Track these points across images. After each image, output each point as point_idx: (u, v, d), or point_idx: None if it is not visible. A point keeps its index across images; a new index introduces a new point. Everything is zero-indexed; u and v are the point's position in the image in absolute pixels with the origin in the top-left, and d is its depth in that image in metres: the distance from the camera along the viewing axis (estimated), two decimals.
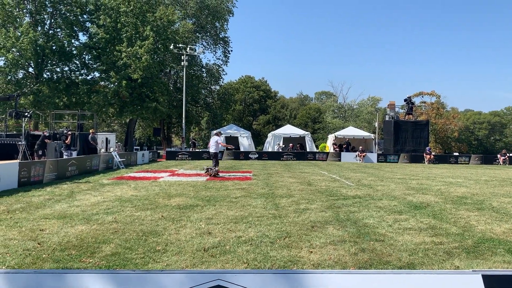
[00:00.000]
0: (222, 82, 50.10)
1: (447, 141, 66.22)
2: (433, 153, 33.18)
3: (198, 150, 35.55)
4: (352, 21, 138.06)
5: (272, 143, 35.55)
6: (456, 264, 4.49)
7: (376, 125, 54.76)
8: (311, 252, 4.88)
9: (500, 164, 29.73)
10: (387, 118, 36.52)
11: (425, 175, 17.50)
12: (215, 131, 21.99)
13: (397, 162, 29.98)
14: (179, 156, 28.66)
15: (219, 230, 5.97)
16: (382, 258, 4.66)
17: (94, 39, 31.12)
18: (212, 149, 15.43)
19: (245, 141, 34.56)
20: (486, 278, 1.87)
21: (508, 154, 31.69)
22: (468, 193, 10.92)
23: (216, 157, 15.39)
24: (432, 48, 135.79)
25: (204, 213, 7.39)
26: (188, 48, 34.91)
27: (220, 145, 15.61)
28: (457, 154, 39.89)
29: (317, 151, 35.22)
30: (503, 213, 7.73)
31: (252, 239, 5.48)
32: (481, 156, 32.73)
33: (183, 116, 35.74)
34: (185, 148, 34.47)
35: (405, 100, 35.53)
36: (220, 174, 15.30)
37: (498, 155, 31.21)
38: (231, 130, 35.70)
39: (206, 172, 15.46)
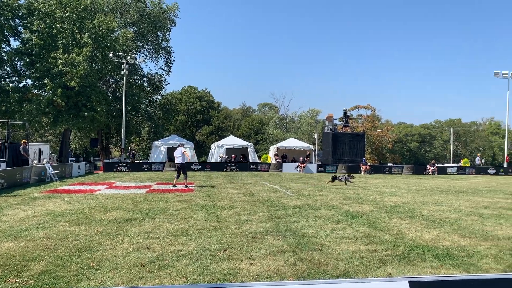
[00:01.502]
0: (164, 92, 49.36)
1: (382, 152, 69.50)
2: (368, 164, 34.63)
3: (138, 161, 34.57)
4: (293, 35, 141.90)
5: (215, 154, 35.42)
6: (388, 271, 4.69)
7: (316, 136, 56.42)
8: (251, 263, 4.90)
9: (430, 174, 31.64)
10: (325, 130, 37.75)
11: (361, 185, 18.21)
12: (178, 143, 21.78)
13: (335, 173, 30.96)
14: (118, 167, 27.70)
15: (158, 244, 5.83)
16: (320, 267, 4.77)
17: (27, 45, 29.47)
18: (178, 160, 15.35)
19: (188, 152, 34.13)
20: (412, 285, 1.96)
21: (436, 165, 33.83)
22: (400, 202, 11.50)
23: (183, 169, 15.28)
24: (368, 63, 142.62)
25: (143, 226, 7.18)
26: (128, 57, 34.05)
27: (185, 157, 15.58)
28: (391, 164, 42.00)
29: (260, 161, 35.57)
30: (432, 221, 8.21)
31: (192, 252, 5.40)
32: (412, 167, 34.67)
33: (123, 126, 34.68)
34: (125, 159, 33.41)
35: (343, 113, 36.99)
36: (178, 186, 15.13)
37: (428, 166, 33.22)
38: (173, 140, 35.10)
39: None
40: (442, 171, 33.10)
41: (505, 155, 42.91)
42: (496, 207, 10.48)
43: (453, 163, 56.95)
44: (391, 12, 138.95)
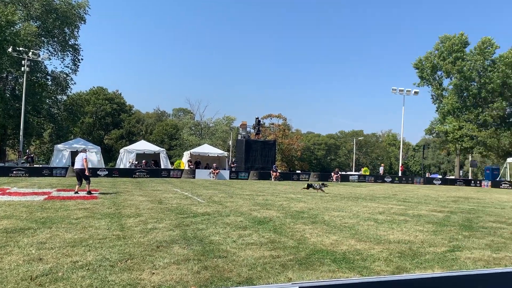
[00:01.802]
0: (70, 92, 46.45)
1: (292, 160, 72.10)
2: (278, 171, 35.71)
3: (37, 166, 31.98)
4: (209, 42, 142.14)
5: (124, 160, 34.01)
6: (289, 276, 4.86)
7: (230, 143, 56.86)
8: (153, 273, 4.76)
9: (334, 181, 33.50)
10: (239, 137, 38.26)
11: (271, 191, 18.72)
12: (82, 148, 20.31)
13: (247, 179, 31.45)
14: (14, 172, 25.37)
15: (53, 256, 5.42)
16: (223, 275, 4.79)
17: None
18: (77, 165, 14.44)
19: (94, 157, 32.30)
20: None
21: (340, 173, 35.92)
22: (305, 207, 12.01)
23: (83, 174, 14.28)
24: (279, 74, 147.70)
25: (37, 237, 6.64)
26: (30, 53, 31.52)
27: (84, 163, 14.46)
28: (299, 172, 43.72)
29: (172, 168, 34.91)
30: (332, 226, 8.68)
31: (90, 263, 5.10)
32: (318, 174, 36.47)
33: (21, 127, 31.90)
34: (22, 163, 30.70)
35: (255, 121, 37.81)
36: (81, 193, 14.13)
37: (332, 173, 35.16)
38: (78, 144, 33.06)
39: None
40: (344, 179, 35.25)
41: (400, 164, 46.94)
42: (389, 213, 11.40)
43: (355, 171, 60.91)
44: (302, 28, 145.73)
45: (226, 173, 32.06)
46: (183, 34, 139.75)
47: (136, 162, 33.19)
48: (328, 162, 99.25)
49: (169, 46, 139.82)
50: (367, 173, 41.44)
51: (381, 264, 5.52)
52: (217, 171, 31.30)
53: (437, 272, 4.61)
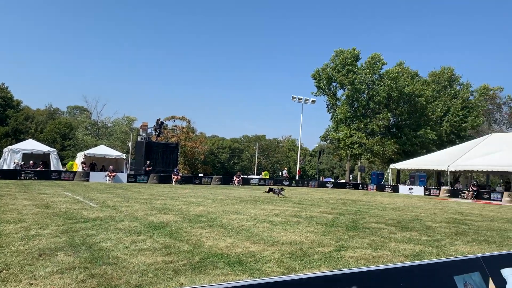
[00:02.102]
0: None
1: (195, 163, 71.61)
2: (180, 174, 35.22)
3: None
4: (111, 38, 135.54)
5: (8, 160, 30.84)
6: (181, 281, 4.80)
7: (130, 145, 54.68)
8: (32, 284, 4.38)
9: (235, 184, 34.00)
10: (139, 139, 36.98)
11: (170, 195, 18.38)
12: None
13: (146, 183, 30.50)
14: None
15: None
16: (111, 282, 4.57)
17: None
18: None
19: None
20: None
21: (241, 176, 36.55)
22: (204, 211, 11.99)
23: None
24: (184, 76, 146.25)
25: None
26: None
27: None
28: (201, 175, 43.60)
29: (64, 170, 32.50)
30: (230, 229, 8.79)
31: None
32: (220, 177, 36.73)
33: None
34: None
35: (156, 122, 36.89)
36: None
37: (234, 177, 35.65)
38: None
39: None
40: (246, 182, 35.96)
41: (298, 169, 49.25)
42: (285, 215, 11.87)
43: (257, 174, 62.51)
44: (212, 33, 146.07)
45: (123, 176, 30.76)
46: (80, 23, 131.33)
47: (22, 163, 30.33)
48: (232, 165, 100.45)
49: (63, 38, 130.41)
50: (267, 177, 42.75)
51: (273, 265, 5.72)
52: (114, 174, 29.89)
53: (313, 273, 4.89)
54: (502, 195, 29.72)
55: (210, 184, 33.65)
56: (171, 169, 33.39)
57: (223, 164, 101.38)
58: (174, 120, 67.19)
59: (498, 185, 37.84)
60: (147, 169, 32.43)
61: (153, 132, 37.24)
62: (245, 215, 11.51)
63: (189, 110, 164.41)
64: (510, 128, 62.69)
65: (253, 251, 6.60)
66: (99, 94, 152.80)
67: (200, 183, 33.51)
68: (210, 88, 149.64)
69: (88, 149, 40.63)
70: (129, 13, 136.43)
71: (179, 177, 32.24)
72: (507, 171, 33.06)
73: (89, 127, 70.37)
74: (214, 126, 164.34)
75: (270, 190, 20.78)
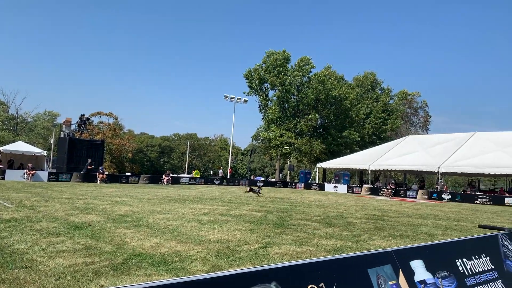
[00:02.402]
0: None
1: (122, 161, 69.17)
2: (106, 172, 33.84)
3: None
4: (37, 29, 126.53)
5: None
6: (101, 283, 4.62)
7: (52, 141, 51.56)
8: None
9: (164, 183, 33.33)
10: (62, 135, 34.96)
11: (94, 194, 17.59)
12: None
13: (69, 181, 28.92)
14: None
15: None
16: (24, 287, 4.28)
17: None
18: None
19: None
20: None
21: (171, 175, 35.91)
22: (130, 211, 11.62)
23: None
24: (111, 71, 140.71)
25: None
26: None
27: None
28: (129, 174, 42.19)
29: None
30: (156, 229, 8.60)
31: None
32: (149, 176, 35.79)
33: None
34: None
35: (80, 118, 35.10)
36: None
37: (163, 176, 34.93)
38: None
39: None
40: (176, 181, 35.39)
41: (229, 168, 49.42)
42: (214, 214, 11.87)
43: (188, 173, 61.77)
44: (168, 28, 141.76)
45: (44, 175, 28.91)
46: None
47: None
48: (162, 164, 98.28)
49: None
50: (198, 175, 42.41)
51: (198, 264, 5.70)
52: (33, 172, 27.99)
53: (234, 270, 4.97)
54: (417, 193, 32.07)
55: (138, 183, 32.68)
56: (96, 167, 31.94)
57: (152, 163, 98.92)
58: (100, 116, 64.43)
59: (414, 183, 40.74)
60: (88, 167, 31.10)
61: (77, 128, 35.35)
62: (173, 214, 11.33)
63: (117, 106, 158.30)
64: (425, 131, 67.77)
65: (179, 250, 6.53)
66: (18, 87, 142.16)
67: (127, 182, 32.41)
68: (140, 84, 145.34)
69: (4, 145, 37.61)
70: (57, 5, 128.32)
71: (104, 175, 30.94)
72: (422, 171, 35.73)
73: (6, 122, 65.21)
74: (143, 123, 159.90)
75: (251, 189, 21.94)
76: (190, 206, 14.09)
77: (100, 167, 31.63)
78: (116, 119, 68.15)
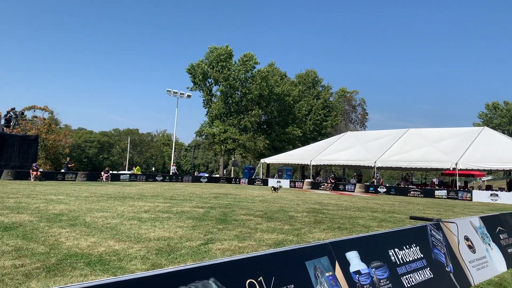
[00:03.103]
0: None
1: (58, 158, 65.90)
2: (40, 170, 32.08)
3: None
4: None
5: None
6: (32, 285, 4.38)
7: None
8: None
9: (103, 180, 32.17)
10: None
11: (27, 192, 16.61)
12: None
13: None
14: None
15: None
16: None
17: None
18: None
19: None
20: None
21: (110, 172, 34.70)
22: (66, 209, 11.10)
23: None
24: (47, 63, 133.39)
25: None
26: None
27: None
28: (63, 171, 40.21)
29: None
30: (93, 227, 8.28)
31: None
32: (87, 173, 34.36)
33: None
34: None
35: (8, 112, 32.96)
36: None
37: (102, 172, 33.70)
38: None
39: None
40: (115, 178, 34.26)
41: (172, 163, 48.64)
42: (155, 211, 11.63)
43: (129, 170, 60.06)
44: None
45: None
46: None
47: None
48: (101, 160, 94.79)
49: None
50: (139, 172, 41.36)
51: (137, 263, 5.56)
52: None
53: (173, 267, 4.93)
54: (355, 187, 33.39)
55: (75, 180, 31.26)
56: (28, 165, 30.15)
57: (91, 159, 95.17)
58: (34, 110, 60.84)
59: (352, 177, 42.36)
60: (69, 165, 29.92)
61: (5, 122, 33.11)
62: (112, 212, 10.97)
63: (53, 100, 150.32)
64: (363, 127, 70.63)
65: (117, 249, 6.33)
66: None
67: (63, 179, 30.90)
68: (78, 78, 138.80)
69: None
70: None
71: (38, 173, 29.31)
72: (360, 165, 37.24)
73: None
74: (81, 118, 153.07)
75: (274, 188, 25.31)
76: (130, 203, 13.71)
77: (34, 164, 29.89)
78: (52, 114, 64.76)
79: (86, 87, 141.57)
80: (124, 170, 66.87)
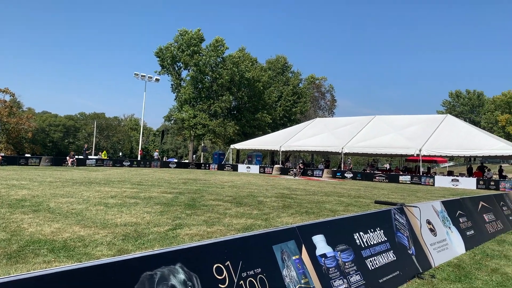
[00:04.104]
0: None
1: (21, 142, 63.68)
2: (1, 154, 30.91)
3: None
4: None
5: None
6: None
7: None
8: None
9: (69, 165, 31.34)
10: None
11: None
12: None
13: None
14: None
15: None
16: None
17: None
18: None
19: None
20: None
21: (76, 156, 33.79)
22: (29, 195, 10.78)
23: None
24: (7, 43, 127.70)
25: None
26: None
27: None
28: (28, 155, 38.91)
29: None
30: (58, 213, 8.08)
31: None
32: (51, 158, 33.36)
33: None
34: None
35: None
36: None
37: (67, 157, 32.80)
38: None
39: None
40: (81, 163, 33.43)
41: (139, 149, 47.90)
42: (122, 196, 11.45)
43: (95, 155, 58.71)
44: None
45: None
46: None
47: None
48: (66, 145, 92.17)
49: None
50: (106, 157, 40.54)
51: (104, 249, 5.48)
52: None
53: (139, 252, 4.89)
54: (322, 172, 33.93)
55: (39, 165, 30.33)
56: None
57: (56, 144, 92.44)
58: None
59: (320, 163, 42.99)
60: (86, 152, 29.32)
61: None
62: (77, 198, 10.73)
63: (15, 83, 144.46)
64: (331, 114, 71.52)
65: (83, 235, 6.21)
66: None
67: (26, 164, 29.92)
68: (41, 60, 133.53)
69: None
70: None
71: (0, 157, 28.23)
72: (328, 151, 37.81)
73: None
74: (45, 101, 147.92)
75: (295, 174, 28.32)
76: (96, 189, 13.44)
77: None
78: (13, 96, 62.23)
79: (50, 70, 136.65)
80: (91, 154, 65.33)
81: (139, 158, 46.04)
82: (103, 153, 44.88)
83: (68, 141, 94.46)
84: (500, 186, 25.79)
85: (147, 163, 39.62)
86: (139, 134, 54.31)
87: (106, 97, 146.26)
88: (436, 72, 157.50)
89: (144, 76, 45.95)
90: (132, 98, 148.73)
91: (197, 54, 47.71)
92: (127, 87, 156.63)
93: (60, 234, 6.22)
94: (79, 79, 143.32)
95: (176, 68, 50.69)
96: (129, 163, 37.11)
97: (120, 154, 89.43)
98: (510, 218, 9.35)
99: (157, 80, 47.62)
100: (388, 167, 38.43)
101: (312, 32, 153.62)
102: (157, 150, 50.17)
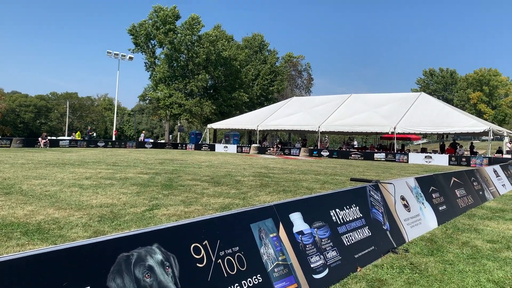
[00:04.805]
0: None
1: None
2: None
3: None
4: None
5: None
6: None
7: None
8: None
9: (41, 147, 30.61)
10: None
11: None
12: None
13: None
14: None
15: None
16: None
17: None
18: None
19: None
20: None
21: (48, 137, 33.02)
22: (0, 177, 10.49)
23: None
24: None
25: None
26: None
27: None
28: (86, 139, 37.90)
29: None
30: (30, 196, 7.91)
31: None
32: (22, 139, 32.48)
33: None
34: None
35: None
36: None
37: (40, 138, 32.00)
38: None
39: None
40: (54, 144, 32.71)
41: (114, 129, 47.11)
42: (97, 177, 11.27)
43: (68, 136, 57.50)
44: None
45: None
46: None
47: None
48: (38, 126, 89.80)
49: None
50: (79, 138, 39.73)
51: (79, 231, 5.40)
52: None
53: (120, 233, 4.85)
54: (299, 151, 34.21)
55: (9, 147, 29.49)
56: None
57: (27, 125, 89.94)
58: None
59: (297, 142, 43.30)
60: (89, 133, 28.25)
61: None
62: (51, 179, 10.50)
63: None
64: (308, 93, 71.76)
65: (57, 217, 6.10)
66: None
67: None
68: (9, 37, 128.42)
69: None
70: None
71: None
72: (304, 130, 38.07)
73: None
74: (15, 81, 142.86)
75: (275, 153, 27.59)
76: (70, 170, 13.19)
77: None
78: None
79: (19, 48, 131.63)
80: (64, 135, 63.81)
81: (113, 139, 45.30)
82: (77, 134, 43.96)
83: (40, 121, 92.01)
84: (471, 162, 26.59)
85: (122, 143, 39.06)
86: (114, 114, 53.31)
87: (79, 76, 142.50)
88: (412, 51, 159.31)
89: (117, 54, 44.86)
90: (105, 77, 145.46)
91: (172, 32, 46.74)
92: (100, 65, 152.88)
93: (33, 216, 6.09)
94: (50, 58, 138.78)
95: (151, 46, 49.64)
96: (103, 144, 36.49)
97: (94, 134, 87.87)
98: (480, 193, 9.67)
99: (130, 58, 46.59)
100: (355, 144, 39.15)
101: (289, 10, 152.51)
102: (143, 132, 49.55)
